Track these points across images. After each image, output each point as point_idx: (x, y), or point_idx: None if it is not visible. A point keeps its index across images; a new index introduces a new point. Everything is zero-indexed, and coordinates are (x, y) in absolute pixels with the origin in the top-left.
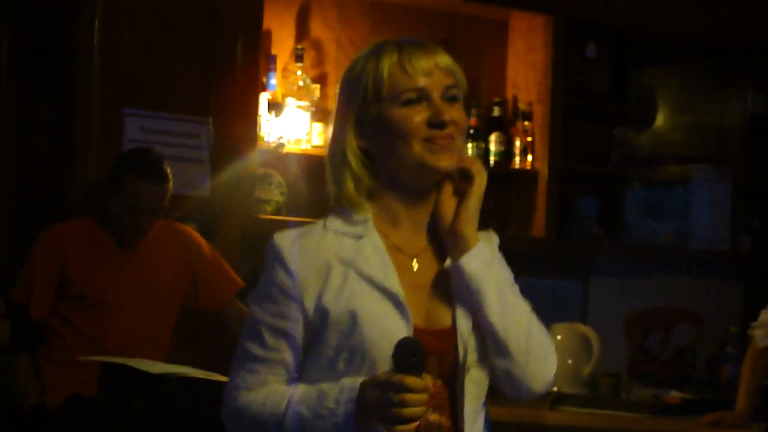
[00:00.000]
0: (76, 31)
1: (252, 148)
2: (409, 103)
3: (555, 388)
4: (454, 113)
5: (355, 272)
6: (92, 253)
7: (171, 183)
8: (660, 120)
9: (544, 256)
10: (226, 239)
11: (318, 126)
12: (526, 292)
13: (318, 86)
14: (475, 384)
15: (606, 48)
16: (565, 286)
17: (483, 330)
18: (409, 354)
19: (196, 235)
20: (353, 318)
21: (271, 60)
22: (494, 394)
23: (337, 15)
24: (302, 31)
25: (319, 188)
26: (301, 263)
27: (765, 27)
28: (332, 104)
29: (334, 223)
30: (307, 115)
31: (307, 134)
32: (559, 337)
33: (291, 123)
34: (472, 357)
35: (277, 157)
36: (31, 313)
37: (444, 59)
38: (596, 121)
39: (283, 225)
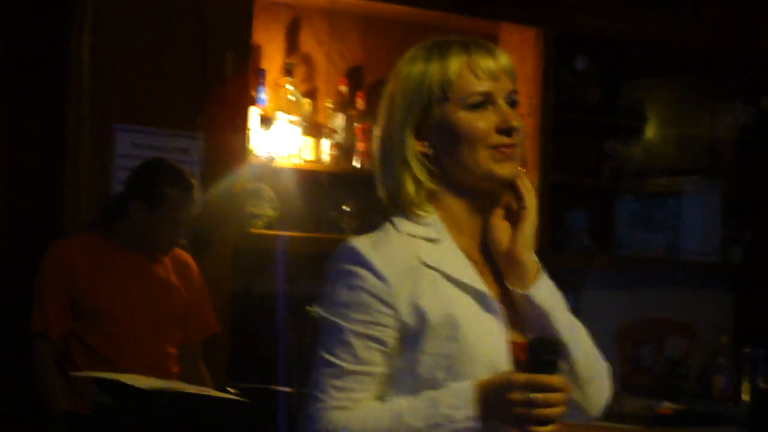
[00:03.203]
0: (66, 46)
1: (242, 162)
2: (475, 106)
3: None
4: (519, 120)
5: (443, 276)
6: (101, 266)
7: (199, 192)
8: (650, 132)
9: None
10: (217, 254)
11: (308, 140)
12: None
13: (308, 100)
14: None
15: (596, 61)
16: None
17: None
18: (548, 351)
19: (197, 268)
20: (453, 322)
21: (261, 74)
22: None
23: (327, 29)
24: (292, 46)
25: (310, 203)
26: (390, 267)
27: (755, 39)
28: (323, 118)
29: (405, 225)
30: (298, 129)
31: (297, 148)
32: None
33: (281, 137)
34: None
35: (268, 171)
36: (51, 334)
37: (508, 62)
38: (587, 133)
39: (275, 240)
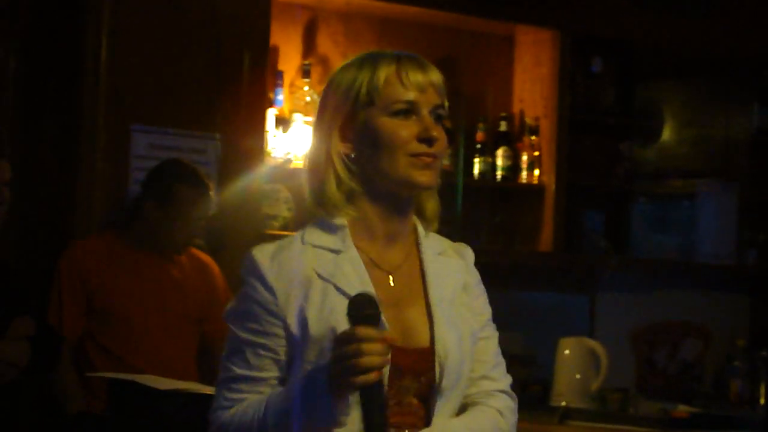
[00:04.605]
0: (82, 47)
1: (259, 163)
2: (399, 114)
3: (564, 403)
4: (441, 133)
5: (335, 288)
6: (116, 266)
7: (213, 192)
8: (666, 134)
9: (551, 270)
10: (233, 255)
11: None
12: (534, 306)
13: None
14: (450, 405)
15: (612, 62)
16: (572, 300)
17: None
18: (363, 306)
19: (218, 270)
20: (334, 335)
21: (279, 76)
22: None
23: (344, 31)
24: (309, 47)
25: None
26: (281, 278)
27: None
28: None
29: (312, 235)
30: None
31: None
32: (567, 352)
33: (298, 138)
34: (448, 379)
35: (285, 172)
36: (65, 333)
37: (437, 78)
38: (602, 135)
39: None
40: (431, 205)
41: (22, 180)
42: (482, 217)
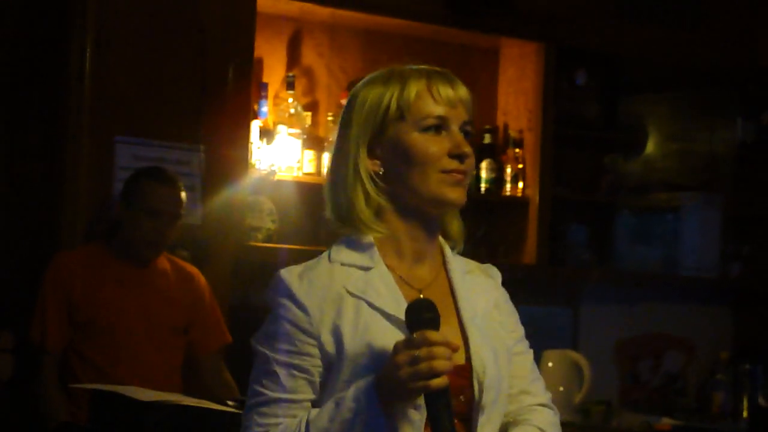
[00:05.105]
0: (66, 58)
1: (243, 175)
2: (429, 129)
3: None
4: (471, 149)
5: (368, 305)
6: (99, 277)
7: (184, 193)
8: (650, 147)
9: (534, 283)
10: (217, 266)
11: (309, 153)
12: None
13: (309, 114)
14: (491, 425)
15: (596, 76)
16: (555, 313)
17: None
18: (423, 310)
19: (204, 281)
20: (371, 351)
21: (263, 87)
22: None
23: (329, 43)
24: (293, 59)
25: (310, 216)
26: (312, 296)
27: (755, 55)
28: (324, 132)
29: (339, 254)
30: (299, 142)
31: (298, 161)
32: (550, 364)
33: (282, 150)
34: (488, 395)
35: (269, 184)
36: (48, 347)
37: (465, 94)
38: (586, 148)
39: (275, 253)
40: (456, 225)
41: (6, 191)
42: (466, 229)
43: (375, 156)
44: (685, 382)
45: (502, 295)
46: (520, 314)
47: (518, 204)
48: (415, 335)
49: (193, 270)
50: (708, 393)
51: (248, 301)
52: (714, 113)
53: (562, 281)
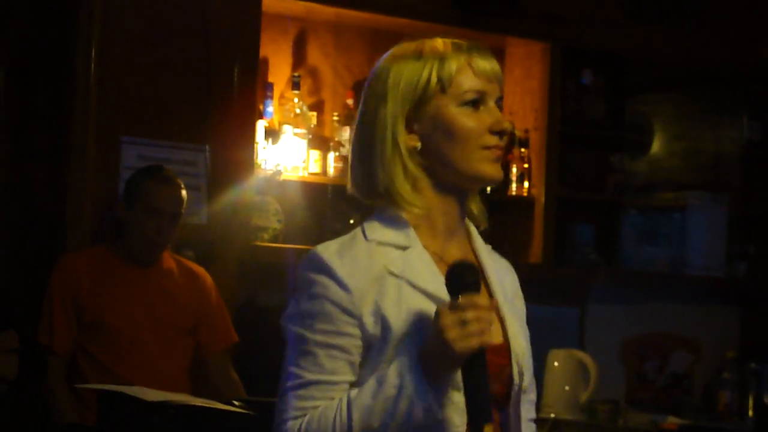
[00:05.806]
0: (72, 58)
1: (249, 175)
2: (468, 104)
3: (553, 415)
4: (508, 124)
5: (408, 284)
6: (106, 278)
7: (185, 192)
8: (656, 147)
9: (541, 283)
10: (223, 266)
11: (315, 153)
12: None
13: (315, 114)
14: (529, 405)
15: (602, 75)
16: (562, 313)
17: None
18: (466, 273)
19: (210, 281)
20: (415, 331)
21: (268, 87)
22: None
23: (334, 42)
24: (299, 59)
25: (316, 216)
26: (353, 275)
27: (761, 54)
28: (329, 131)
29: (375, 232)
30: (304, 142)
31: (303, 161)
32: (556, 364)
33: (288, 150)
34: (526, 378)
35: (274, 184)
36: (56, 348)
37: (499, 69)
38: (593, 147)
39: (281, 252)
40: (476, 204)
41: (12, 192)
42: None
43: (412, 131)
44: (691, 382)
45: (519, 290)
46: (527, 313)
47: (524, 203)
48: (461, 299)
49: (200, 270)
50: (714, 392)
51: (254, 301)
52: (720, 112)
53: (569, 281)
